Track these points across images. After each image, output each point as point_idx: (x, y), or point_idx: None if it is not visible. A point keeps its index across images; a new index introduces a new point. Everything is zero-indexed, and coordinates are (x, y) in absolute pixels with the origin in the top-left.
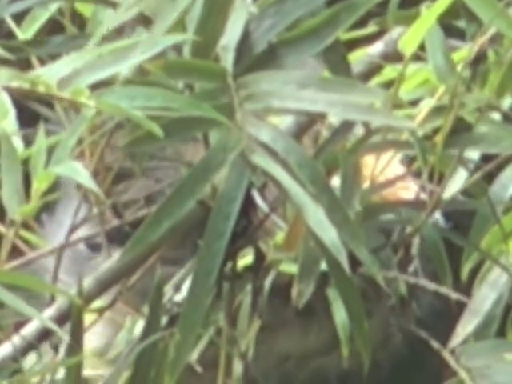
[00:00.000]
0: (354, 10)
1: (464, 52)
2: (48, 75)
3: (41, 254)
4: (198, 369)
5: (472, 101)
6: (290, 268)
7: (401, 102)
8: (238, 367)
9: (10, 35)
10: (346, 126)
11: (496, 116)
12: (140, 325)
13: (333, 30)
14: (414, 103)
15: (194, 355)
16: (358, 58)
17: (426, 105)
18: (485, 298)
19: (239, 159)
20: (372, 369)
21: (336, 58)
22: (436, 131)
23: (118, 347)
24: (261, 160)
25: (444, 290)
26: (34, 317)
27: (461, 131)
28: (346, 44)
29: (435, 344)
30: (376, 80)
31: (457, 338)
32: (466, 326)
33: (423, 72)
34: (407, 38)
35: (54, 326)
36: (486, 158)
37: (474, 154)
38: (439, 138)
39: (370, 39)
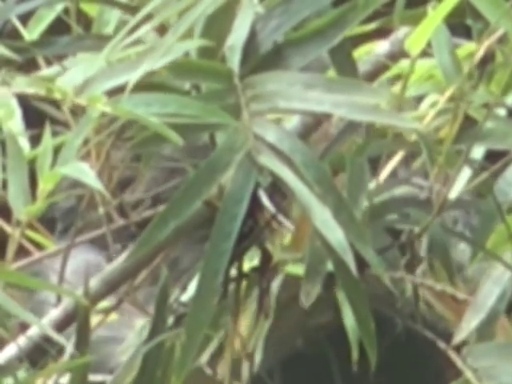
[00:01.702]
0: (361, 11)
1: (469, 47)
2: (63, 81)
3: (47, 255)
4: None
5: (478, 98)
6: (296, 269)
7: (407, 102)
8: (245, 368)
9: (15, 33)
10: (352, 127)
11: (502, 112)
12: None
13: (339, 30)
14: (420, 98)
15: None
16: (364, 57)
17: (431, 101)
18: (489, 294)
19: (246, 159)
20: (377, 368)
21: (343, 58)
22: (442, 126)
23: (129, 351)
24: (267, 160)
25: (451, 289)
26: (34, 323)
27: (467, 128)
28: (351, 39)
29: (441, 344)
30: (385, 75)
31: (461, 334)
32: (469, 322)
33: (429, 67)
34: (414, 38)
35: (53, 333)
36: (490, 154)
37: (478, 151)
38: (447, 137)
39: (375, 35)
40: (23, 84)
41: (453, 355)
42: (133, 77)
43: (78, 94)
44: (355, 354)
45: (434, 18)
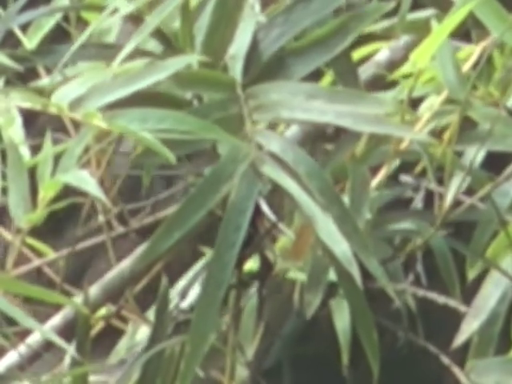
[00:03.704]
0: (363, 20)
1: (468, 50)
2: (60, 96)
3: (47, 262)
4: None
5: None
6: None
7: (410, 113)
8: (242, 372)
9: (13, 40)
10: (353, 136)
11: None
12: (142, 331)
13: (341, 39)
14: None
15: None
16: (365, 65)
17: (431, 103)
18: (489, 296)
19: (249, 170)
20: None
21: (344, 67)
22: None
23: (120, 353)
24: (271, 171)
25: (453, 302)
26: (35, 329)
27: (466, 129)
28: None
29: (445, 359)
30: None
31: (462, 336)
32: (470, 324)
33: (429, 69)
34: (419, 52)
35: (56, 338)
36: (489, 154)
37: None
38: (448, 152)
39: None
40: (19, 98)
41: (457, 371)
42: (131, 91)
43: (74, 108)
44: (345, 358)
45: (440, 32)
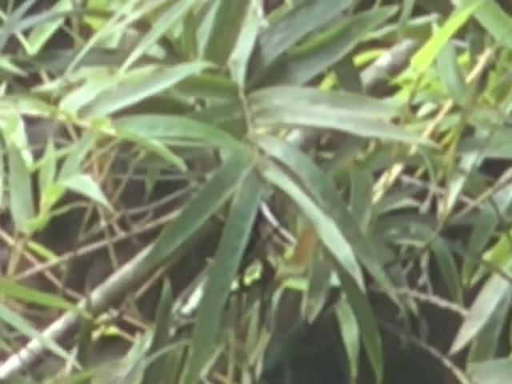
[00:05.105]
0: (365, 25)
1: (465, 57)
2: (68, 103)
3: (49, 266)
4: None
5: (478, 108)
6: (299, 284)
7: (411, 117)
8: (246, 380)
9: (14, 45)
10: (356, 141)
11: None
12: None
13: (344, 44)
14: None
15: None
16: (366, 70)
17: (428, 110)
18: (488, 301)
19: (252, 175)
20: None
21: (347, 72)
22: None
23: (128, 366)
24: (274, 176)
25: (455, 306)
26: (34, 337)
27: (464, 136)
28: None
29: (447, 362)
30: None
31: (460, 341)
32: (469, 329)
33: (426, 76)
34: (420, 56)
35: (55, 346)
36: (485, 161)
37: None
38: (448, 156)
39: (372, 43)
40: (27, 106)
41: (459, 373)
42: (138, 99)
43: (82, 115)
44: (354, 371)
45: (441, 35)
